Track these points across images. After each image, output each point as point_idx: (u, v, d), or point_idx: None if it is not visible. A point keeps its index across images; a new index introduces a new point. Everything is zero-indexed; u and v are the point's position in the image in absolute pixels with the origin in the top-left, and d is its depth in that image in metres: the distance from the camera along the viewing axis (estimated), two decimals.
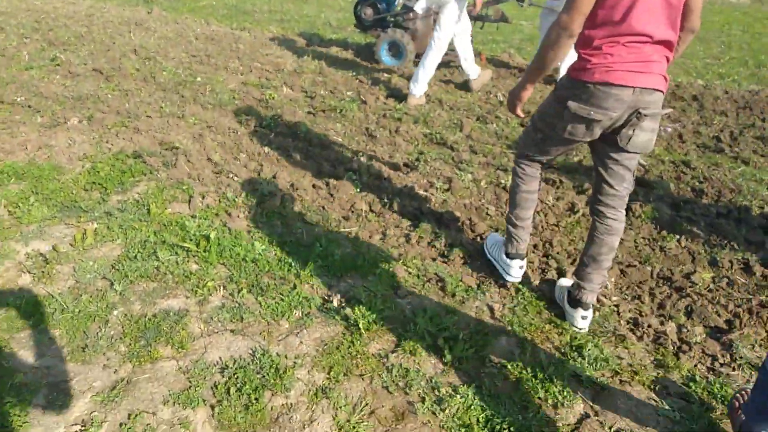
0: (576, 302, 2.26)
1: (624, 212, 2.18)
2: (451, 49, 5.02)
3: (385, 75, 5.64)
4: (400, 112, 4.57)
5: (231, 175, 3.37)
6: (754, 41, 8.20)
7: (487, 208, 3.17)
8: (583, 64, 1.92)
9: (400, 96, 4.96)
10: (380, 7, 5.98)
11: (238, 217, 2.98)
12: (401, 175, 3.51)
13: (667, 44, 1.89)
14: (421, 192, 3.30)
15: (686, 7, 1.91)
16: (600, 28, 1.87)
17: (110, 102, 4.46)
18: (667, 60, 1.93)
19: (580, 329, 2.29)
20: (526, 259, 2.48)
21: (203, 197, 3.13)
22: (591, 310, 2.28)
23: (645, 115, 1.89)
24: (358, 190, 3.29)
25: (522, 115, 2.30)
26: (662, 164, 3.83)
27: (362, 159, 3.68)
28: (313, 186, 3.32)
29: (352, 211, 3.09)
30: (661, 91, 1.92)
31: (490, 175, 3.53)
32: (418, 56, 6.04)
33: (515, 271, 2.44)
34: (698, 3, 1.94)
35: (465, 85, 5.28)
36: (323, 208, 3.10)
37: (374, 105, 4.72)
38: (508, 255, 2.45)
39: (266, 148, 3.78)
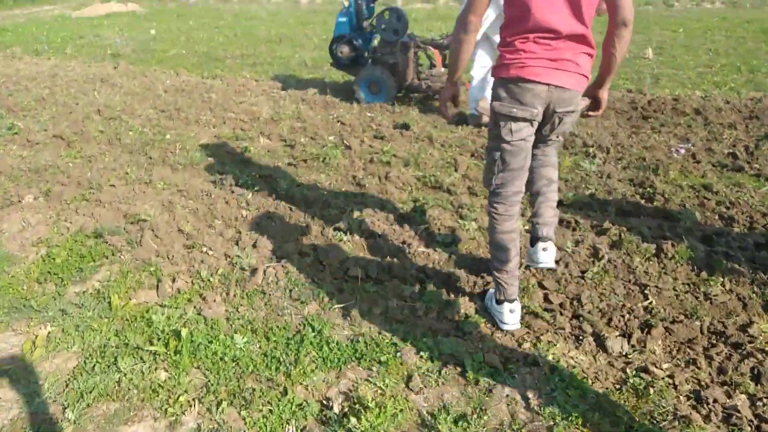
0: (535, 239, 2.38)
1: (553, 150, 2.35)
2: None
3: (368, 114, 5.31)
4: (387, 155, 4.21)
5: (205, 249, 2.97)
6: (740, 46, 8.02)
7: None
8: (500, 61, 2.02)
9: (386, 136, 4.61)
10: (356, 44, 5.68)
11: (214, 301, 2.57)
12: (397, 229, 3.13)
13: (580, 39, 1.92)
14: (423, 249, 2.92)
15: (614, 2, 1.87)
16: (510, 26, 1.97)
17: (70, 172, 4.06)
18: (590, 56, 1.98)
19: (544, 263, 2.36)
20: (518, 302, 2.33)
21: (173, 280, 2.72)
22: (551, 243, 2.36)
23: (562, 117, 2.05)
24: (351, 253, 2.89)
25: (449, 116, 2.31)
26: (681, 191, 3.48)
27: (352, 214, 3.30)
28: (300, 253, 2.92)
29: (346, 280, 2.70)
30: (576, 90, 1.98)
31: None
32: (400, 91, 5.73)
33: (507, 317, 2.30)
34: None
35: (462, 119, 4.94)
36: (313, 279, 2.70)
37: (359, 149, 4.36)
38: (498, 302, 2.33)
39: (244, 212, 3.39)
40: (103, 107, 5.65)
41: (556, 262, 2.66)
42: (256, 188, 3.74)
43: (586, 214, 3.24)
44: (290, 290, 2.62)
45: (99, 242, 3.08)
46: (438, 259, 2.82)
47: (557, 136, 2.23)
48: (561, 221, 3.15)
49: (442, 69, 5.62)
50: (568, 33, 1.89)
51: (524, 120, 2.03)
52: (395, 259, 2.81)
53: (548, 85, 1.94)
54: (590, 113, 2.25)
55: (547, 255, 2.36)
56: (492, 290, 2.42)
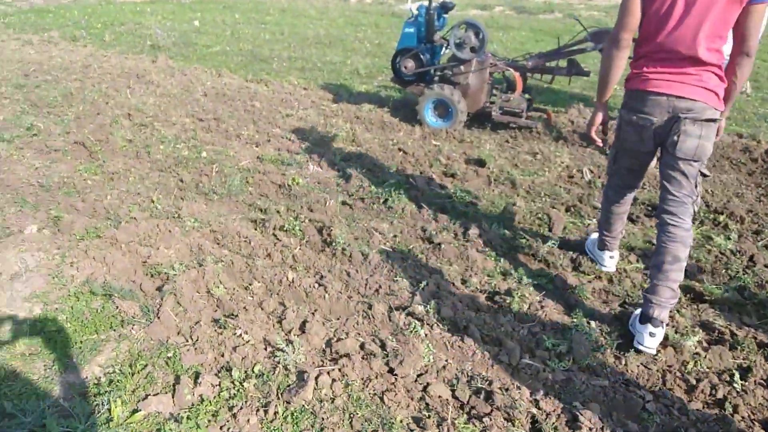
0: (645, 318, 2.23)
1: (688, 222, 2.22)
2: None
3: (434, 141, 4.57)
4: (463, 201, 3.47)
5: (239, 331, 2.27)
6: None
7: None
8: (630, 75, 2.23)
9: (457, 173, 3.87)
10: (423, 58, 4.94)
11: (248, 421, 1.87)
12: (488, 321, 2.38)
13: (708, 64, 2.04)
14: (528, 360, 2.17)
15: (739, 32, 2.02)
16: (642, 45, 2.17)
17: (87, 194, 3.44)
18: (718, 77, 2.08)
19: (648, 348, 2.21)
20: (617, 251, 2.79)
21: (195, 379, 2.03)
22: (661, 329, 2.21)
23: (685, 119, 2.08)
24: (430, 356, 2.16)
25: (599, 141, 2.44)
26: None
27: (427, 288, 2.57)
28: (362, 348, 2.20)
29: (427, 406, 1.97)
30: (699, 101, 2.06)
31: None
32: (471, 117, 4.98)
33: (607, 261, 2.79)
34: (752, 29, 2.00)
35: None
36: (381, 398, 1.98)
37: (427, 190, 3.63)
38: (600, 248, 2.80)
39: (290, 273, 2.69)
40: (134, 110, 5.04)
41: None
42: (304, 237, 3.04)
43: (741, 321, 2.45)
44: (351, 415, 1.91)
45: (107, 304, 2.42)
46: (551, 380, 2.07)
47: (691, 189, 2.19)
48: (707, 327, 2.37)
49: (521, 95, 4.84)
50: (692, 55, 2.04)
51: (643, 127, 2.21)
52: (495, 378, 2.07)
53: (668, 95, 2.10)
54: None
55: (653, 341, 2.21)
56: (594, 237, 2.93)
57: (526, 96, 4.95)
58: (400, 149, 4.38)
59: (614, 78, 2.23)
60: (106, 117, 4.85)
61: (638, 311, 2.36)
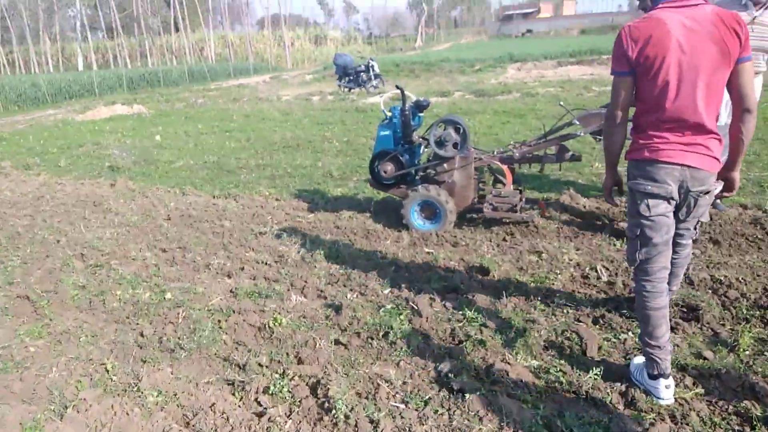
0: (657, 375, 2.32)
1: (689, 248, 2.56)
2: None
3: (426, 248, 4.15)
4: (475, 325, 2.99)
5: None
6: None
7: None
8: (635, 146, 2.29)
9: (460, 287, 3.42)
10: (403, 160, 4.63)
11: None
12: None
13: (710, 131, 2.15)
14: None
15: (734, 90, 2.17)
16: (644, 116, 2.25)
17: (27, 367, 2.84)
18: (718, 141, 2.19)
19: (667, 400, 2.30)
20: (671, 377, 2.35)
21: None
22: (672, 380, 2.33)
23: (697, 198, 2.20)
24: None
25: (616, 202, 2.70)
26: None
27: None
28: None
29: None
30: (707, 171, 2.17)
31: None
32: (461, 217, 4.61)
33: (663, 392, 2.33)
34: (746, 86, 2.14)
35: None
36: None
37: (432, 314, 3.15)
38: (651, 377, 2.36)
39: None
40: (89, 248, 4.52)
41: None
42: (295, 401, 2.48)
43: None
44: None
45: None
46: None
47: (692, 231, 2.44)
48: None
49: (512, 188, 4.52)
50: (698, 122, 2.13)
51: (659, 197, 2.21)
52: None
53: (681, 165, 2.16)
54: (725, 194, 2.41)
55: (670, 392, 2.33)
56: (639, 361, 2.49)
57: (517, 188, 4.64)
58: (392, 263, 3.92)
59: (619, 149, 2.39)
60: (56, 260, 4.31)
61: (639, 361, 2.50)
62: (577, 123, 4.11)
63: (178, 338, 3.09)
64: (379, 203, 5.36)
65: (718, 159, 2.21)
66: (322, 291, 3.57)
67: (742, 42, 2.10)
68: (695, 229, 2.46)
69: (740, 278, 3.31)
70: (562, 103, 4.63)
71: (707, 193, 2.22)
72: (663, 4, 2.19)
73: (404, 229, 4.58)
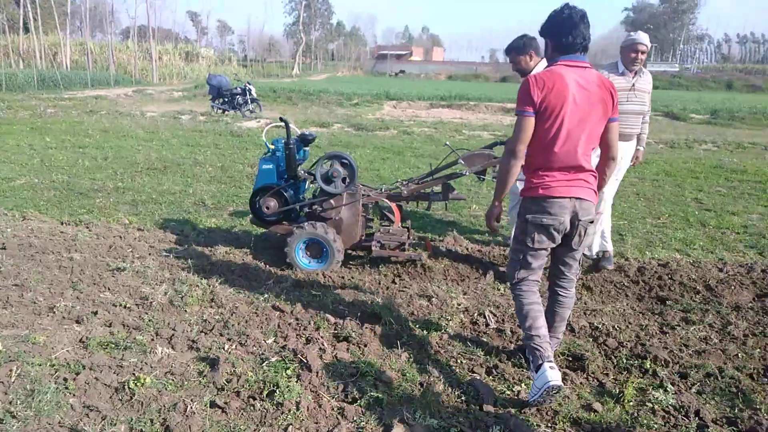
0: (541, 362, 2.59)
1: (573, 288, 2.90)
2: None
3: (312, 290, 3.87)
4: (370, 380, 2.77)
5: None
6: (660, 191, 7.90)
7: None
8: (530, 185, 2.65)
9: (352, 336, 3.19)
10: (287, 195, 4.35)
11: None
12: None
13: (588, 170, 2.62)
14: None
15: (605, 143, 2.70)
16: (535, 156, 2.61)
17: None
18: (595, 177, 2.68)
19: (554, 381, 2.49)
20: (553, 360, 2.62)
21: None
22: (555, 364, 2.62)
23: (586, 226, 2.64)
24: None
25: (497, 230, 2.95)
26: None
27: None
28: None
29: None
30: (590, 201, 2.64)
31: None
32: (347, 255, 4.41)
33: (550, 373, 2.52)
34: (614, 139, 2.71)
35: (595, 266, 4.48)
36: None
37: (321, 367, 2.87)
38: (537, 367, 2.59)
39: None
40: None
41: None
42: None
43: None
44: None
45: None
46: None
47: (576, 268, 2.85)
48: None
49: (399, 226, 4.43)
50: (580, 166, 2.58)
51: (551, 229, 2.60)
52: None
53: (570, 198, 2.57)
54: None
55: (554, 373, 2.54)
56: (537, 387, 2.57)
57: (405, 225, 4.57)
58: (274, 306, 3.59)
59: (512, 182, 2.66)
60: None
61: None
62: (462, 163, 4.17)
63: (10, 403, 2.48)
64: (259, 238, 4.99)
65: (596, 191, 2.69)
66: (194, 341, 3.13)
67: (614, 105, 2.62)
68: (580, 264, 2.91)
69: (615, 326, 3.47)
70: (448, 143, 4.70)
71: (592, 222, 2.65)
72: (562, 62, 2.60)
73: (288, 269, 4.27)
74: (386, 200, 4.35)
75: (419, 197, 4.35)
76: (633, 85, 4.12)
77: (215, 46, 69.34)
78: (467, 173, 4.16)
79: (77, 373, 2.75)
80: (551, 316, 2.89)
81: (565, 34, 2.57)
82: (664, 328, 3.51)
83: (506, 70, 63.37)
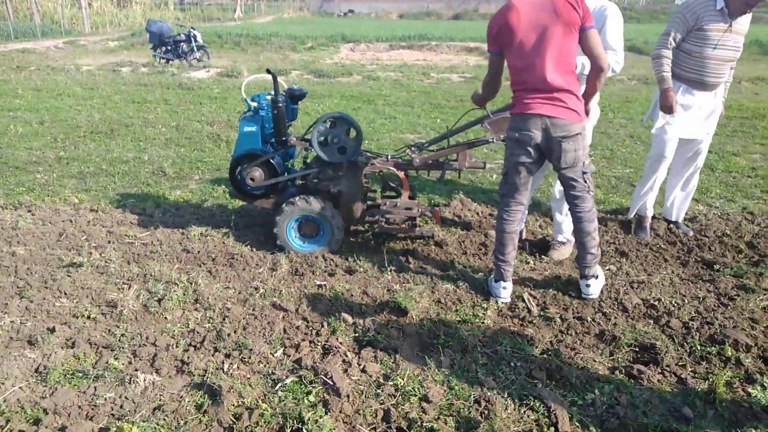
0: (581, 275, 3.07)
1: (589, 205, 2.93)
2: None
3: (316, 276, 3.27)
4: (414, 399, 2.24)
5: None
6: None
7: None
8: (512, 102, 2.91)
9: (378, 339, 2.64)
10: (275, 164, 3.65)
11: None
12: None
13: (565, 89, 2.72)
14: None
15: (588, 53, 2.74)
16: (515, 79, 2.83)
17: None
18: (576, 98, 2.78)
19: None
20: (510, 282, 3.06)
21: None
22: (594, 279, 3.04)
23: (561, 140, 2.74)
24: None
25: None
26: None
27: None
28: None
29: None
30: (565, 119, 2.73)
31: None
32: (350, 232, 3.80)
33: (502, 292, 3.04)
34: (595, 49, 2.72)
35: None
36: None
37: (352, 389, 2.31)
38: (496, 281, 3.07)
39: None
40: None
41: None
42: None
43: None
44: None
45: None
46: None
47: (582, 184, 2.89)
48: None
49: (407, 198, 3.81)
50: (556, 85, 2.71)
51: (524, 144, 2.81)
52: None
53: (540, 115, 2.73)
54: None
55: (591, 289, 3.04)
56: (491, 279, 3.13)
57: (412, 196, 3.95)
58: (274, 305, 2.98)
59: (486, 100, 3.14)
60: None
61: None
62: (487, 127, 3.52)
63: None
64: (241, 213, 4.30)
65: (575, 110, 2.75)
66: (183, 362, 2.51)
67: (581, 14, 2.64)
68: (585, 181, 2.88)
69: (672, 301, 3.04)
70: (488, 110, 3.78)
71: (569, 138, 2.74)
72: None
73: (280, 251, 3.64)
74: (393, 169, 3.70)
75: (432, 166, 3.69)
76: (730, 25, 3.44)
77: None
78: (494, 140, 3.51)
79: (36, 423, 2.11)
80: (577, 233, 3.01)
81: None
82: (723, 299, 3.10)
83: (459, 6, 61.64)
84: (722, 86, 3.69)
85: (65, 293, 3.07)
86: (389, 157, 3.73)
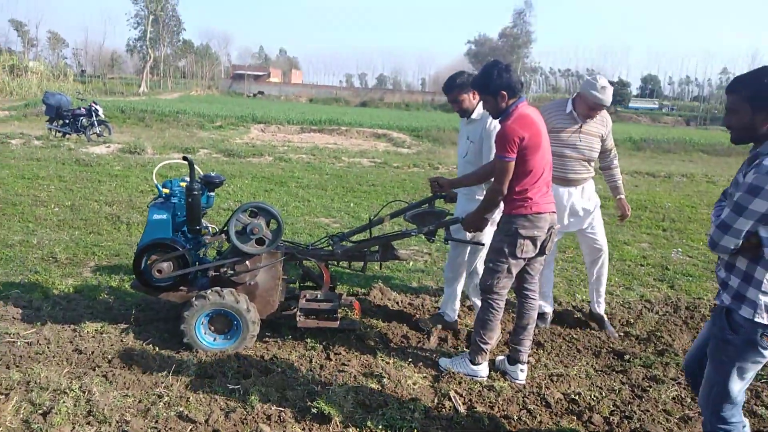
0: (515, 360, 3.27)
1: (537, 293, 3.32)
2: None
3: (228, 380, 2.99)
4: None
5: None
6: None
7: None
8: (521, 203, 3.00)
9: None
10: (187, 255, 3.41)
11: None
12: None
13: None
14: None
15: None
16: (523, 184, 2.97)
17: None
18: None
19: (520, 380, 3.22)
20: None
21: None
22: (526, 365, 3.28)
23: (554, 230, 3.12)
24: None
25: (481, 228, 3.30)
26: None
27: None
28: None
29: None
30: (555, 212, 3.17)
31: None
32: (265, 326, 3.59)
33: (485, 371, 3.26)
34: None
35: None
36: None
37: None
38: (475, 363, 3.25)
39: None
40: None
41: None
42: None
43: None
44: None
45: None
46: None
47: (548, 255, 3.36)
48: None
49: (328, 290, 3.68)
50: (549, 184, 3.12)
51: (538, 237, 3.04)
52: None
53: (550, 213, 3.07)
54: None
55: (524, 375, 3.26)
56: (446, 361, 3.37)
57: (332, 287, 3.83)
58: (181, 416, 2.66)
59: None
60: None
61: (503, 358, 3.39)
62: (409, 220, 3.56)
63: None
64: (141, 307, 3.93)
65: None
66: None
67: None
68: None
69: (591, 395, 3.09)
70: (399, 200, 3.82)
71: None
72: (521, 103, 3.01)
73: (187, 350, 3.33)
74: (313, 260, 3.59)
75: (354, 257, 3.62)
76: (581, 126, 3.78)
77: (46, 59, 61.65)
78: (415, 234, 3.53)
79: None
80: (523, 320, 3.25)
81: (514, 80, 2.96)
82: (636, 391, 3.20)
83: (365, 94, 64.71)
84: (590, 182, 3.95)
85: None
86: (310, 247, 3.63)
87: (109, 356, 3.22)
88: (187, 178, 3.44)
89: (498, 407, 2.94)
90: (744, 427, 2.15)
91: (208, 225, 3.67)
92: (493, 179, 3.05)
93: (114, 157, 11.32)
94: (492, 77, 2.96)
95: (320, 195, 8.71)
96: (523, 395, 3.06)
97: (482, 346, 3.20)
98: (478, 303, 3.66)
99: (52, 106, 14.05)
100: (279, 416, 2.70)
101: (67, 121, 14.19)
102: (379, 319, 4.00)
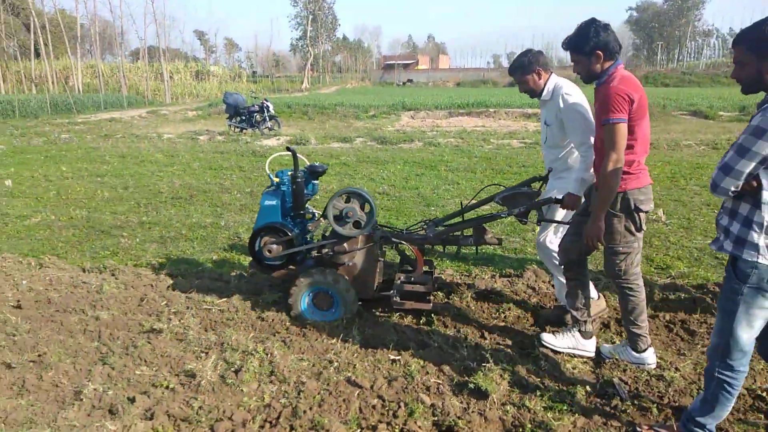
0: (645, 348, 3.05)
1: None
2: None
3: (387, 349, 3.19)
4: None
5: None
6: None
7: None
8: (635, 176, 2.78)
9: (453, 422, 2.50)
10: (293, 236, 3.70)
11: None
12: None
13: None
14: None
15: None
16: (635, 153, 2.75)
17: None
18: None
19: (652, 364, 3.02)
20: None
21: None
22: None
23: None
24: None
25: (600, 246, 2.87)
26: None
27: None
28: None
29: None
30: None
31: None
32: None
33: (652, 358, 3.02)
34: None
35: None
36: None
37: None
38: (639, 351, 3.01)
39: None
40: None
41: None
42: None
43: None
44: None
45: None
46: None
47: None
48: None
49: (423, 270, 3.74)
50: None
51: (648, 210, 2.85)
52: None
53: (650, 183, 2.88)
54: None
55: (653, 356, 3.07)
56: (624, 346, 3.12)
57: (429, 270, 3.91)
58: (349, 380, 2.91)
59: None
60: None
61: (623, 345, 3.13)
62: (499, 203, 3.46)
63: None
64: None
65: None
66: None
67: None
68: None
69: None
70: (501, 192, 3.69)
71: None
72: (619, 65, 2.79)
73: (353, 320, 3.60)
74: (407, 244, 3.66)
75: (447, 241, 3.60)
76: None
77: (223, 63, 69.23)
78: (505, 216, 3.41)
79: None
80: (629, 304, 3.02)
81: (612, 40, 2.75)
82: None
83: None
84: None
85: (145, 360, 3.13)
86: (405, 232, 3.72)
87: (287, 324, 3.61)
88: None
89: (668, 398, 2.76)
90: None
91: (314, 210, 3.94)
92: (606, 150, 2.67)
93: (283, 149, 12.42)
94: (588, 36, 2.74)
95: (470, 178, 8.71)
96: (698, 387, 2.83)
97: (637, 332, 2.98)
98: (562, 279, 3.41)
99: (230, 104, 15.79)
100: (437, 388, 2.82)
101: (244, 118, 15.84)
102: (533, 300, 3.94)
